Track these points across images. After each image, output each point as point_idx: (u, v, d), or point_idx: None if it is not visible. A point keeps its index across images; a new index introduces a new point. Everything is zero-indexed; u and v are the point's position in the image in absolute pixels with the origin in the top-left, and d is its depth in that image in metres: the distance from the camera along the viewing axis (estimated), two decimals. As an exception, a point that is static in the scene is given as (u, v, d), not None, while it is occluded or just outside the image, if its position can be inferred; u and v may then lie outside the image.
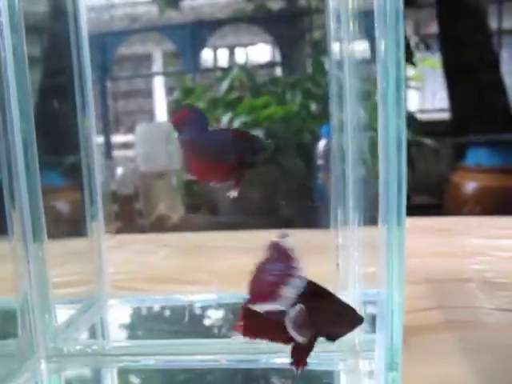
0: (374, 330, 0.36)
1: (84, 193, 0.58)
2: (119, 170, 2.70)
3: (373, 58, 0.35)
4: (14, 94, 0.44)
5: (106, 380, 0.48)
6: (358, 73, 0.45)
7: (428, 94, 4.63)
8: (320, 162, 1.93)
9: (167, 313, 0.62)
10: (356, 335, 0.44)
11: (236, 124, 2.47)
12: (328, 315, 0.32)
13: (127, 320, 0.61)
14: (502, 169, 2.99)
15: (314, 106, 2.55)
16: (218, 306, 0.61)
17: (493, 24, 3.76)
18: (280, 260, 0.32)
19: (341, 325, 0.33)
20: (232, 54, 3.70)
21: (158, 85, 4.19)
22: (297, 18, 3.29)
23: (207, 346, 0.48)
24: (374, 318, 0.36)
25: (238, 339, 0.33)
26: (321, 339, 0.33)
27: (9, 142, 0.44)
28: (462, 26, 3.37)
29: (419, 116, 3.83)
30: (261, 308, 0.32)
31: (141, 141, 2.85)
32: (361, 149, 0.46)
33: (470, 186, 3.04)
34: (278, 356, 0.43)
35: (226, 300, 0.60)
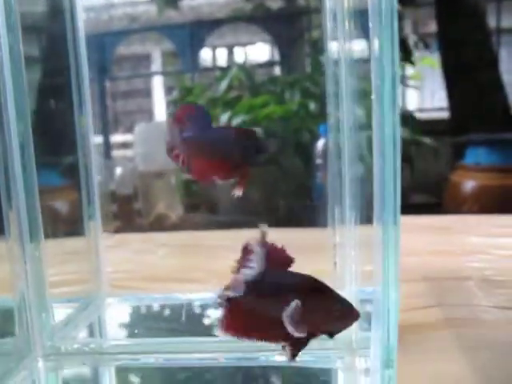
0: (370, 328, 0.36)
1: (81, 192, 0.58)
2: (118, 170, 2.70)
3: (369, 57, 0.35)
4: (11, 94, 0.44)
5: (104, 378, 0.48)
6: (354, 72, 0.45)
7: (427, 93, 4.63)
8: (319, 161, 1.93)
9: (165, 311, 0.62)
10: (353, 333, 0.44)
11: (235, 123, 2.47)
12: (325, 311, 0.32)
13: (125, 318, 0.61)
14: (501, 168, 2.99)
15: (312, 106, 2.54)
16: (217, 304, 0.61)
17: (491, 23, 3.76)
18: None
19: (338, 321, 0.33)
20: (231, 53, 3.70)
21: (157, 84, 4.19)
22: (296, 17, 3.29)
23: (205, 344, 0.48)
24: (371, 316, 0.36)
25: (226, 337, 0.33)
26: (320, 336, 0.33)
27: (5, 142, 0.44)
28: (460, 25, 3.37)
29: (418, 115, 3.83)
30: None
31: (140, 140, 2.85)
32: (357, 147, 0.46)
33: (469, 185, 3.04)
34: (277, 354, 0.44)
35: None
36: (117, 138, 3.54)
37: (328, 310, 0.32)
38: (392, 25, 0.32)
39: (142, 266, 0.80)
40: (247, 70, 2.88)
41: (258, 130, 0.38)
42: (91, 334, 0.55)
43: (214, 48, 3.69)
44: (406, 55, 3.44)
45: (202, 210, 2.28)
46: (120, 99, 3.88)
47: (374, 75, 0.33)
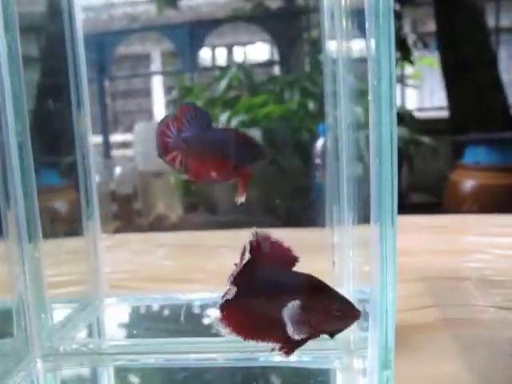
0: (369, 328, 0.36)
1: (80, 192, 0.58)
2: (118, 170, 2.70)
3: (367, 56, 0.35)
4: (9, 94, 0.44)
5: (102, 379, 0.48)
6: (352, 71, 0.45)
7: (426, 93, 4.63)
8: (318, 160, 1.93)
9: (164, 312, 0.62)
10: (351, 333, 0.44)
11: (234, 123, 2.47)
12: (326, 311, 0.32)
13: (124, 319, 0.61)
14: (500, 167, 2.99)
15: (311, 105, 2.54)
16: (216, 304, 0.61)
17: (490, 22, 3.76)
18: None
19: (339, 320, 0.33)
20: (230, 52, 3.70)
21: (157, 84, 4.19)
22: (295, 16, 3.29)
23: (205, 344, 0.48)
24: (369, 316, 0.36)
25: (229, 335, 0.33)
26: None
27: (3, 143, 0.44)
28: (459, 25, 3.37)
29: (417, 114, 3.83)
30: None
31: (139, 140, 2.85)
32: (356, 147, 0.46)
33: (468, 184, 3.04)
34: (276, 354, 0.44)
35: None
36: (116, 137, 3.54)
37: (328, 310, 0.32)
38: (389, 24, 0.32)
39: (141, 266, 0.80)
40: (246, 69, 2.88)
41: (257, 133, 0.38)
42: (90, 334, 0.55)
43: (213, 48, 3.69)
44: (405, 54, 3.44)
45: (202, 210, 2.28)
46: (120, 99, 3.88)
47: (370, 75, 0.33)
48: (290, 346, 0.33)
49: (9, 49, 0.44)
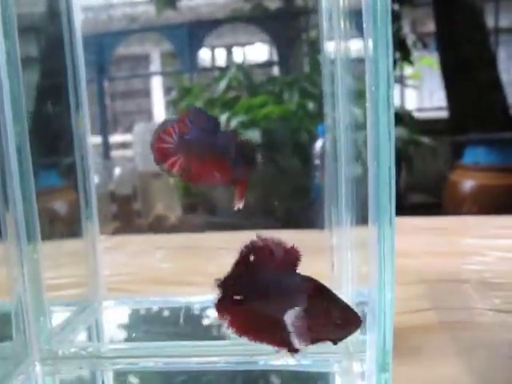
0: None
1: (79, 193, 0.58)
2: (117, 170, 2.70)
3: (364, 57, 0.35)
4: (7, 96, 0.44)
5: (101, 382, 0.48)
6: (350, 71, 0.45)
7: (426, 93, 4.63)
8: (317, 161, 1.93)
9: (163, 314, 0.62)
10: (351, 336, 0.43)
11: (233, 123, 2.47)
12: (329, 319, 0.32)
13: (122, 322, 0.60)
14: (499, 167, 2.99)
15: (311, 106, 2.54)
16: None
17: (490, 22, 3.76)
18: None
19: (342, 328, 0.33)
20: (229, 53, 3.70)
21: (156, 85, 4.19)
22: (294, 17, 3.29)
23: (204, 347, 0.47)
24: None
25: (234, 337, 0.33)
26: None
27: (2, 145, 0.44)
28: (459, 25, 3.37)
29: (417, 115, 3.83)
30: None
31: (139, 140, 2.85)
32: (354, 148, 0.46)
33: (467, 184, 3.04)
34: (276, 358, 0.43)
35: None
36: (116, 138, 3.54)
37: (331, 318, 0.32)
38: (386, 25, 0.32)
39: (139, 268, 0.79)
40: (246, 70, 2.88)
41: (256, 134, 0.38)
42: (89, 337, 0.55)
43: (212, 48, 3.69)
44: (405, 55, 3.44)
45: (201, 211, 2.28)
46: (119, 99, 3.88)
47: (368, 75, 0.33)
48: (293, 349, 0.33)
49: (7, 50, 0.44)
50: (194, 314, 0.60)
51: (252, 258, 0.33)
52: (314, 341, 0.32)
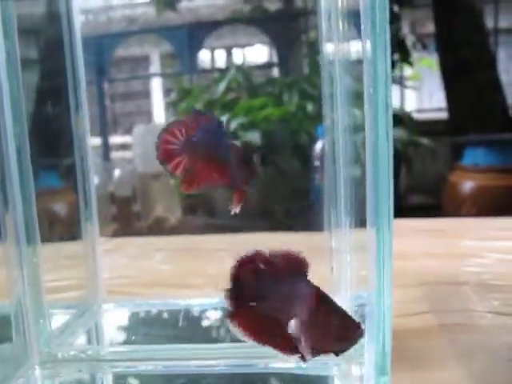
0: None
1: (79, 195, 0.58)
2: (117, 172, 2.71)
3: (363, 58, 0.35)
4: (7, 98, 0.44)
5: (101, 385, 0.48)
6: (349, 73, 0.45)
7: (425, 94, 4.63)
8: (317, 163, 1.94)
9: (163, 317, 0.62)
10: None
11: (233, 125, 2.47)
12: (331, 332, 0.32)
13: (122, 325, 0.60)
14: (499, 168, 2.99)
15: (310, 107, 2.54)
16: (215, 310, 0.61)
17: (489, 23, 3.76)
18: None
19: (344, 341, 0.32)
20: (229, 54, 3.71)
21: (156, 86, 4.19)
22: (293, 18, 3.30)
23: (204, 350, 0.47)
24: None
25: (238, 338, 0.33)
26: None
27: (2, 146, 0.44)
28: (458, 26, 3.37)
29: (416, 116, 3.83)
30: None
31: (138, 142, 2.85)
32: (353, 150, 0.46)
33: (467, 185, 3.04)
34: (275, 360, 0.44)
35: (223, 304, 0.59)
36: (115, 139, 3.55)
37: (334, 331, 0.32)
38: (384, 27, 0.32)
39: (139, 271, 0.79)
40: (245, 71, 2.88)
41: (255, 136, 0.38)
42: (88, 340, 0.55)
43: (212, 50, 3.70)
44: (404, 56, 3.45)
45: (201, 213, 2.28)
46: (119, 101, 3.88)
47: (366, 77, 0.33)
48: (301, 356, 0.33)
49: (7, 51, 0.44)
50: (194, 317, 0.60)
51: (259, 266, 0.33)
52: (316, 353, 0.32)
